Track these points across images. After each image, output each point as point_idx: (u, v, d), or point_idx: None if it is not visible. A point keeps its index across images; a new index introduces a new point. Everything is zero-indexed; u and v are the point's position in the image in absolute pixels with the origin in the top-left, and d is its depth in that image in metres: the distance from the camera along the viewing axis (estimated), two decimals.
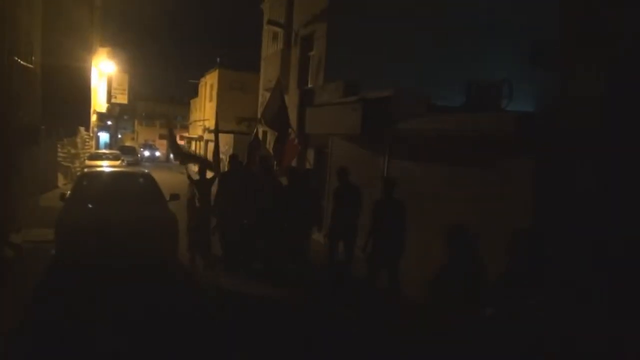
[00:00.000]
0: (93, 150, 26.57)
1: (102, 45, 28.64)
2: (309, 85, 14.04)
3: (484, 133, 6.34)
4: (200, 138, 35.16)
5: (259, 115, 19.68)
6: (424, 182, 7.69)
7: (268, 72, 17.75)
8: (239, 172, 8.81)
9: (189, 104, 43.13)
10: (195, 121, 37.46)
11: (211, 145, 26.21)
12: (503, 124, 5.99)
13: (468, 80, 9.40)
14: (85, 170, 13.13)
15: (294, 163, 11.40)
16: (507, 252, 3.49)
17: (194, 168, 10.46)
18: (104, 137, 39.45)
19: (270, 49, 18.43)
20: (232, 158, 8.93)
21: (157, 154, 49.12)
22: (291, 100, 14.65)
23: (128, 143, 46.45)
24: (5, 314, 5.81)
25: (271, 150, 9.52)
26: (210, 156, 15.92)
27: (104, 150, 29.13)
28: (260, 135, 19.31)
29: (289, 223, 7.75)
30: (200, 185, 8.64)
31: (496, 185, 6.20)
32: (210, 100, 31.41)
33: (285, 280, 7.60)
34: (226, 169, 9.28)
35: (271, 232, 7.98)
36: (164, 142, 54.51)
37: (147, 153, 41.17)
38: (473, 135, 6.57)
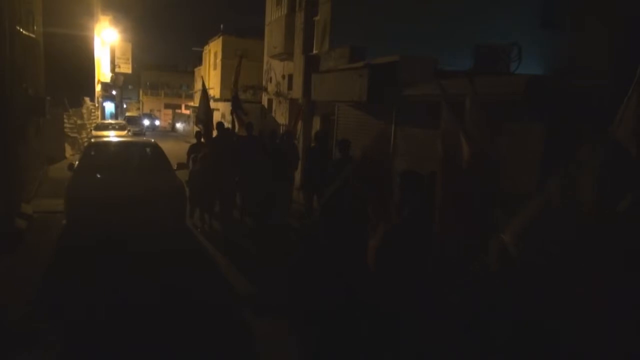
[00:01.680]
0: (99, 121, 26.56)
1: (104, 13, 28.27)
2: (315, 51, 13.84)
3: (493, 96, 6.26)
4: None
5: (263, 83, 19.57)
6: (431, 147, 7.65)
7: (272, 39, 17.47)
8: (225, 136, 9.53)
9: (193, 72, 42.71)
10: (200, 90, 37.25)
11: (216, 115, 26.10)
12: (512, 87, 5.91)
13: (476, 45, 9.23)
14: (93, 140, 13.16)
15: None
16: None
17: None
18: (109, 107, 39.36)
19: (274, 14, 18.09)
20: (218, 124, 9.72)
21: (157, 123, 48.88)
22: (296, 66, 14.48)
23: (130, 113, 46.28)
24: (19, 283, 5.94)
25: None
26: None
27: (110, 121, 29.09)
28: (265, 104, 19.26)
29: (268, 178, 8.66)
30: (197, 148, 9.34)
31: (505, 148, 6.15)
32: (215, 68, 31.08)
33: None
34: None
35: (254, 187, 8.90)
36: (169, 111, 54.55)
37: (146, 122, 41.07)
38: (481, 99, 6.49)
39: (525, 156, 5.88)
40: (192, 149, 9.56)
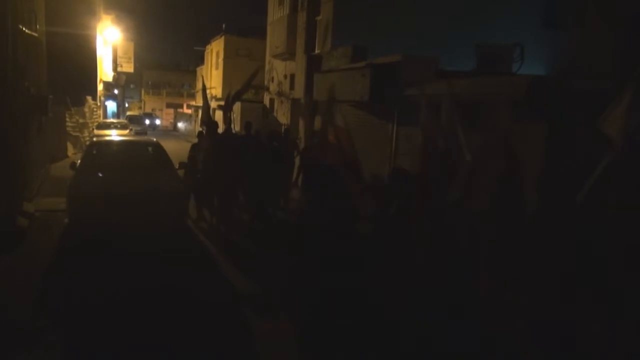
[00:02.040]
0: (101, 120, 26.57)
1: (107, 12, 28.29)
2: (317, 51, 13.83)
3: (495, 97, 6.25)
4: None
5: (265, 83, 19.57)
6: None
7: (274, 38, 17.47)
8: (226, 135, 9.50)
9: (195, 72, 42.71)
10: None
11: (218, 113, 26.09)
12: (515, 88, 5.90)
13: (477, 45, 9.21)
14: (95, 139, 13.19)
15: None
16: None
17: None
18: (111, 106, 39.36)
19: (276, 14, 18.09)
20: (215, 124, 9.91)
21: (158, 122, 48.30)
22: (298, 66, 14.49)
23: (132, 112, 45.90)
24: (21, 282, 5.95)
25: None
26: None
27: (112, 120, 29.10)
28: (267, 104, 19.26)
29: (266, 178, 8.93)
30: (199, 147, 9.54)
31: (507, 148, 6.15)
32: (217, 67, 31.08)
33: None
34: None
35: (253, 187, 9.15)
36: (171, 111, 54.54)
37: (147, 122, 40.53)
38: (483, 100, 6.48)
39: (527, 156, 5.86)
40: (194, 148, 9.62)
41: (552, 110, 5.62)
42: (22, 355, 4.32)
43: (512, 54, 8.94)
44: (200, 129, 10.00)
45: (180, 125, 47.42)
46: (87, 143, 15.81)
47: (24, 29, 9.54)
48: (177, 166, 8.85)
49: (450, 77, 7.76)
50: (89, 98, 23.27)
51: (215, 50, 31.65)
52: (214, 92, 30.85)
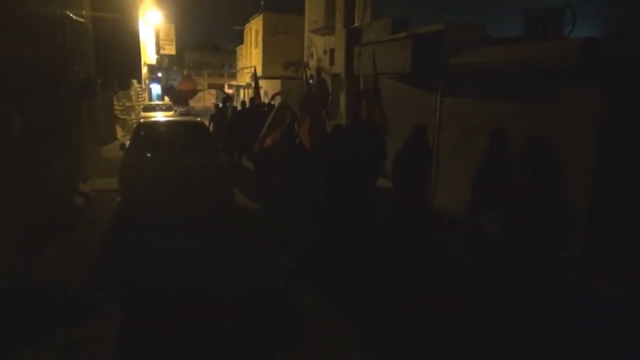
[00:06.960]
0: (147, 102, 27.21)
1: None
2: (356, 24, 13.61)
3: (546, 63, 5.98)
4: (248, 86, 35.19)
5: (304, 59, 19.47)
6: (479, 118, 7.43)
7: (313, 13, 17.29)
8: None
9: (235, 52, 42.95)
10: (243, 69, 37.47)
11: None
12: (567, 52, 5.62)
13: (525, 9, 8.81)
14: (142, 120, 13.55)
15: None
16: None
17: None
18: (155, 89, 40.12)
19: None
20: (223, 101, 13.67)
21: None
22: (338, 40, 14.31)
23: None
24: (79, 257, 6.26)
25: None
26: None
27: (157, 102, 29.72)
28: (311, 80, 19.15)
29: None
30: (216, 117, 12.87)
31: (559, 118, 5.91)
32: (256, 46, 31.11)
33: None
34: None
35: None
36: (213, 91, 55.19)
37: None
38: (533, 67, 6.22)
39: (578, 129, 5.61)
40: (212, 118, 12.76)
41: (608, 77, 5.33)
42: (80, 327, 4.52)
43: (562, 18, 8.52)
44: (216, 103, 13.27)
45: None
46: (134, 125, 16.28)
47: (71, 15, 9.81)
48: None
49: (497, 44, 7.48)
50: (135, 81, 23.80)
51: (255, 29, 31.65)
52: (254, 71, 30.97)
